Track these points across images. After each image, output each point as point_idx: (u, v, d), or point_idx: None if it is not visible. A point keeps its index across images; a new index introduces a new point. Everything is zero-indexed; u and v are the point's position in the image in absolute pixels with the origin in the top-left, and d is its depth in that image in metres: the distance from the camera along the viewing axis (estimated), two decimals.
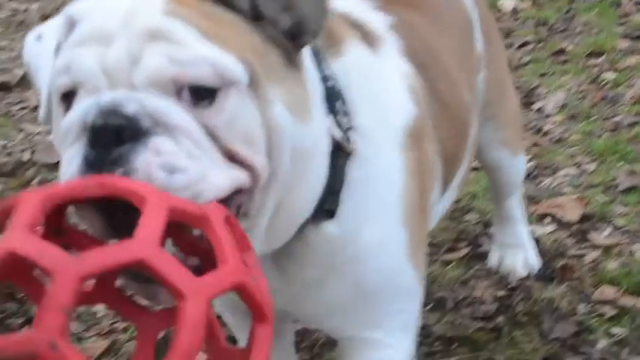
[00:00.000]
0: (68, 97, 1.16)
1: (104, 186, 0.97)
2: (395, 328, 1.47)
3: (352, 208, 1.33)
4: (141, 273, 0.91)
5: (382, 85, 1.42)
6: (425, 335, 2.17)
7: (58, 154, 1.20)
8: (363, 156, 1.32)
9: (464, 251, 2.54)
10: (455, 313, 2.27)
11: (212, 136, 1.10)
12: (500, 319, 2.23)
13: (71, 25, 1.20)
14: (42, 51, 1.31)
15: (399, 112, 1.42)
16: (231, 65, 1.11)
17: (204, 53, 1.11)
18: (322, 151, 1.26)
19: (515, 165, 2.28)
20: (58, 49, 1.22)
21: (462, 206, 2.75)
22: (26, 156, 3.28)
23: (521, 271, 2.41)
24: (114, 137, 1.06)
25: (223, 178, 1.10)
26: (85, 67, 1.13)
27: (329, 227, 1.31)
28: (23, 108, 3.68)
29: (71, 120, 1.12)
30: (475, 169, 2.97)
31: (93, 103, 1.10)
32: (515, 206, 2.43)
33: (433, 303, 2.31)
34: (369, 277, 1.38)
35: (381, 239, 1.37)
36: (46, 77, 1.28)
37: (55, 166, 3.02)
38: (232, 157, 1.11)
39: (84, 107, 1.10)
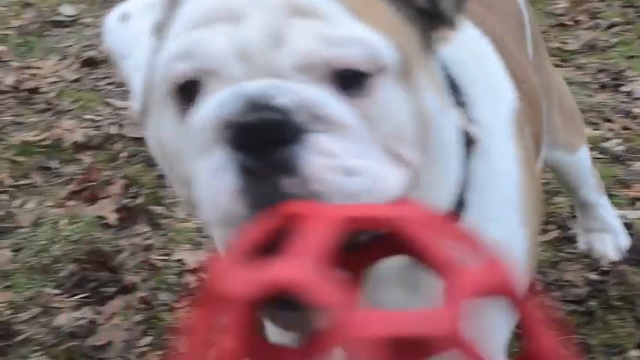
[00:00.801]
0: (186, 90, 0.98)
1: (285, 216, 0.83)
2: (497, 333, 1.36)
3: (477, 208, 1.21)
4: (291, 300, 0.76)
5: (489, 68, 1.34)
6: None
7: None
8: (487, 150, 1.21)
9: (553, 234, 2.51)
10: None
11: (369, 130, 0.95)
12: (592, 302, 2.20)
13: (175, 1, 1.04)
14: (131, 33, 1.10)
15: (507, 97, 1.35)
16: (385, 48, 0.96)
17: (358, 33, 0.95)
18: (458, 145, 1.16)
19: (576, 161, 2.19)
20: (158, 31, 1.06)
21: (550, 189, 2.71)
22: (114, 130, 3.34)
23: (612, 255, 2.35)
24: (269, 137, 0.89)
25: (397, 178, 0.96)
26: (216, 50, 0.95)
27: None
28: (110, 83, 3.74)
29: (206, 117, 0.93)
30: None
31: (236, 94, 0.92)
32: (591, 193, 2.34)
33: None
34: None
35: (504, 240, 1.23)
36: (140, 65, 1.07)
37: (142, 140, 3.09)
38: (390, 154, 0.97)
39: (223, 100, 0.92)
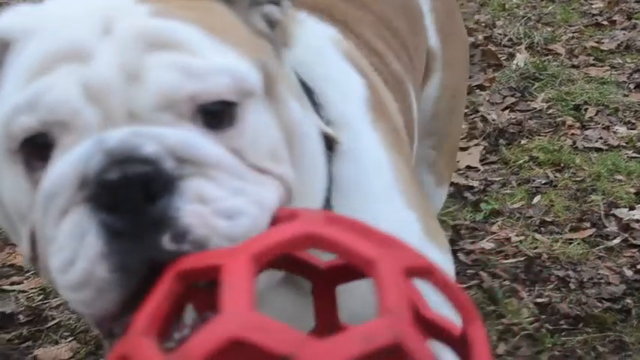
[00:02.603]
0: (32, 145, 0.85)
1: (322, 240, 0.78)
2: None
3: (351, 208, 1.11)
4: None
5: (333, 62, 1.27)
6: (550, 312, 2.13)
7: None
8: (350, 147, 1.16)
9: (588, 232, 2.47)
10: (580, 292, 2.21)
11: (241, 157, 0.88)
12: (628, 300, 2.17)
13: (4, 45, 0.92)
14: None
15: (355, 88, 1.26)
16: (250, 73, 0.90)
17: (221, 61, 0.87)
18: (321, 150, 1.11)
19: (437, 196, 2.04)
20: None
21: (585, 187, 2.68)
22: None
23: None
24: (137, 192, 0.79)
25: (273, 198, 0.90)
26: (63, 96, 0.83)
27: None
28: None
29: (63, 175, 0.82)
30: (599, 149, 2.90)
31: (94, 147, 0.80)
32: None
33: (556, 281, 2.26)
34: None
35: (394, 230, 1.22)
36: None
37: None
38: (262, 172, 0.91)
39: (81, 155, 0.81)
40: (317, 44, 1.26)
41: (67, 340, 2.14)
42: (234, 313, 0.70)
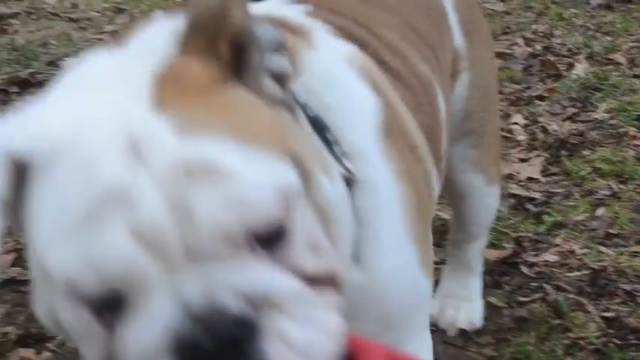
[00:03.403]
0: (98, 301, 0.86)
1: None
2: (416, 331, 1.38)
3: (369, 246, 1.18)
4: None
5: (336, 87, 1.23)
6: (617, 327, 2.10)
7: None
8: (361, 180, 1.15)
9: None
10: None
11: (296, 270, 0.90)
12: None
13: (20, 171, 0.89)
14: None
15: (368, 113, 1.25)
16: (289, 174, 0.90)
17: (263, 176, 0.86)
18: (345, 196, 1.12)
19: (489, 195, 1.99)
20: (9, 209, 0.90)
21: None
22: None
23: (462, 326, 2.15)
24: (229, 350, 0.83)
25: (335, 319, 0.92)
26: (120, 255, 0.82)
27: (352, 275, 1.13)
28: None
29: (149, 341, 0.83)
30: None
31: (176, 311, 0.82)
32: (477, 255, 2.16)
33: (623, 295, 2.23)
34: (391, 309, 1.26)
35: (397, 265, 1.25)
36: None
37: None
38: (316, 281, 0.92)
39: (164, 320, 0.83)
40: (326, 68, 1.24)
41: None
42: None
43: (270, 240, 0.87)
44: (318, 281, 0.92)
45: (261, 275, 0.86)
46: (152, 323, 0.83)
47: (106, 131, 0.86)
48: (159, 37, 0.97)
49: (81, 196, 0.83)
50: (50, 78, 3.45)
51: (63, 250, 0.84)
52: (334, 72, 1.25)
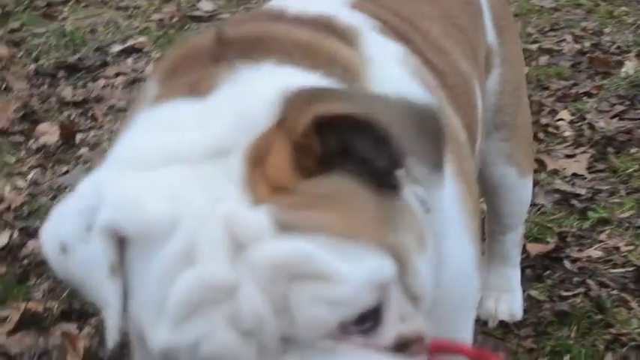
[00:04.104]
0: None
1: None
2: (462, 326, 1.40)
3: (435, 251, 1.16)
4: None
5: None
6: None
7: None
8: (433, 205, 1.13)
9: None
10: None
11: (385, 345, 0.93)
12: None
13: (119, 242, 0.92)
14: (80, 266, 0.95)
15: None
16: (387, 269, 0.92)
17: (361, 276, 0.88)
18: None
19: (522, 187, 2.00)
20: (112, 269, 0.93)
21: None
22: None
23: (503, 317, 2.14)
24: None
25: None
26: (222, 346, 0.86)
27: None
28: None
29: None
30: None
31: None
32: (514, 246, 2.14)
33: None
34: (447, 308, 1.24)
35: (458, 267, 1.26)
36: (109, 306, 0.93)
37: None
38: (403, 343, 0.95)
39: None
40: (389, 84, 1.18)
41: None
42: None
43: (363, 321, 0.90)
44: (407, 343, 0.94)
45: (353, 358, 0.89)
46: None
47: (205, 220, 0.88)
48: (254, 101, 0.95)
49: (183, 284, 0.87)
50: (97, 64, 3.48)
51: (161, 327, 0.88)
52: (395, 82, 1.22)
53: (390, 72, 1.22)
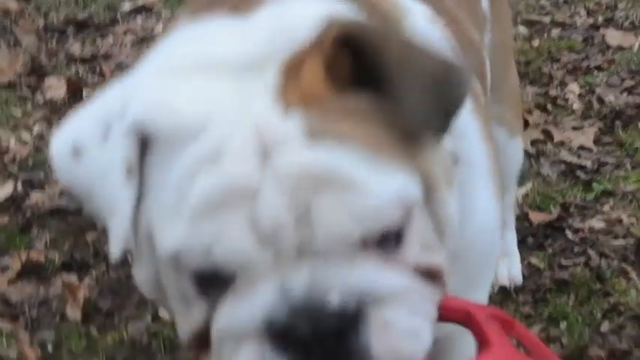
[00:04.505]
0: (203, 277, 0.89)
1: None
2: (483, 285, 1.40)
3: (464, 207, 1.14)
4: None
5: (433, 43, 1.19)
6: None
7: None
8: (462, 157, 1.12)
9: None
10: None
11: (405, 266, 0.93)
12: None
13: (143, 141, 0.91)
14: (92, 173, 0.93)
15: None
16: (413, 189, 0.91)
17: (387, 190, 0.87)
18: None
19: (513, 148, 2.02)
20: (129, 172, 0.91)
21: None
22: None
23: (503, 282, 2.13)
24: (327, 341, 0.86)
25: (433, 307, 0.95)
26: (237, 246, 0.85)
27: None
28: None
29: (245, 322, 0.87)
30: None
31: (278, 297, 0.85)
32: (508, 208, 2.13)
33: None
34: (475, 264, 1.28)
35: (486, 224, 1.27)
36: (119, 214, 0.91)
37: None
38: (422, 272, 0.95)
39: (265, 305, 0.85)
40: (425, 35, 1.20)
41: None
42: None
43: (384, 241, 0.89)
44: (426, 274, 0.94)
45: (369, 273, 0.88)
46: (251, 306, 0.86)
47: (236, 124, 0.87)
48: (295, 21, 0.95)
49: (206, 183, 0.86)
50: (107, 21, 3.45)
51: (177, 226, 0.87)
52: (431, 41, 1.22)
53: (425, 27, 1.22)
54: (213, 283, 0.88)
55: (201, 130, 0.88)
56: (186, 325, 0.95)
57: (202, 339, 0.93)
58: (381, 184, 0.87)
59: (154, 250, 0.91)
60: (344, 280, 0.86)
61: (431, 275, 0.95)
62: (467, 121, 1.20)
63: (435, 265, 0.96)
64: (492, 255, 1.37)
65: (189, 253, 0.86)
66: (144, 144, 0.91)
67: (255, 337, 0.86)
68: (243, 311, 0.87)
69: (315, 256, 0.86)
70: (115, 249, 0.93)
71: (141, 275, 0.98)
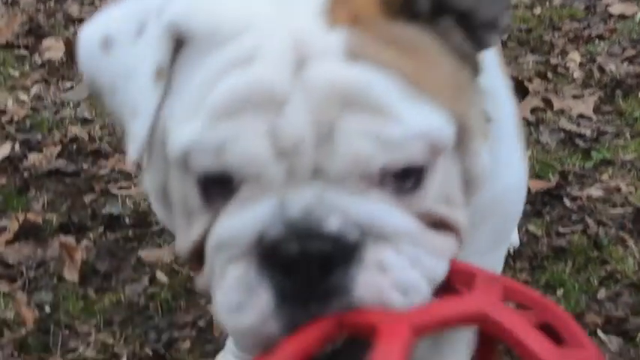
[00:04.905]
0: (210, 179, 0.86)
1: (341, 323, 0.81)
2: (505, 241, 1.39)
3: (493, 159, 1.08)
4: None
5: None
6: None
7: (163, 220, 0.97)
8: (494, 116, 1.07)
9: None
10: None
11: (419, 215, 0.87)
12: None
13: (177, 42, 0.88)
14: (120, 68, 0.91)
15: None
16: (444, 130, 0.86)
17: (417, 124, 0.82)
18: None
19: None
20: (159, 74, 0.89)
21: None
22: None
23: None
24: (316, 265, 0.81)
25: (442, 267, 0.89)
26: (252, 151, 0.81)
27: None
28: None
29: (238, 233, 0.83)
30: None
31: (275, 213, 0.81)
32: None
33: None
34: (502, 220, 1.26)
35: (514, 179, 1.24)
36: (142, 114, 0.90)
37: None
38: (439, 225, 0.90)
39: (260, 219, 0.81)
40: None
41: (170, 245, 2.19)
42: None
43: (402, 182, 0.85)
44: (440, 227, 0.89)
45: (378, 208, 0.83)
46: (247, 218, 0.82)
47: (274, 32, 0.84)
48: None
49: (233, 83, 0.82)
50: None
51: (194, 124, 0.83)
52: None
53: None
54: (218, 191, 0.85)
55: (239, 33, 0.85)
56: (185, 240, 0.92)
57: (199, 255, 0.90)
58: (412, 115, 0.82)
59: (166, 156, 0.89)
60: (350, 208, 0.81)
61: (446, 230, 0.90)
62: (496, 78, 1.17)
63: (453, 219, 0.90)
64: (517, 214, 1.34)
65: (201, 153, 0.83)
66: (177, 45, 0.88)
67: (245, 255, 0.83)
68: (239, 223, 0.83)
69: (328, 180, 0.82)
70: (133, 151, 0.90)
71: (150, 183, 0.96)
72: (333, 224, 0.80)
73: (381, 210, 0.83)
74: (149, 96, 0.88)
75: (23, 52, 3.31)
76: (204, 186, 0.87)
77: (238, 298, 0.83)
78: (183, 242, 0.93)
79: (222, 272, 0.85)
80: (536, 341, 0.74)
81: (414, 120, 0.82)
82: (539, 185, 2.38)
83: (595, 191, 2.38)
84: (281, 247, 0.80)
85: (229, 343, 1.67)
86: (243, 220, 0.83)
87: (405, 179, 0.85)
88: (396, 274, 0.82)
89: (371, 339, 0.76)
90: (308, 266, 0.80)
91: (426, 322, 0.78)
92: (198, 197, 0.88)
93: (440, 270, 0.89)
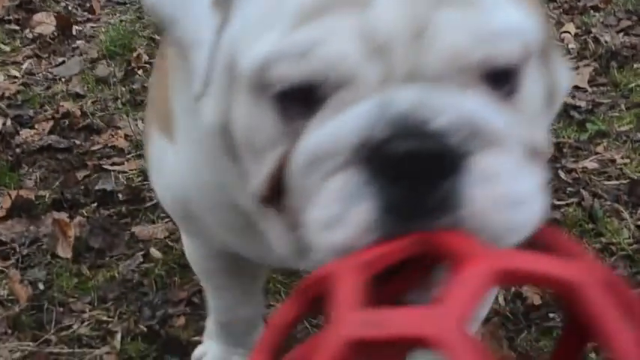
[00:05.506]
0: (290, 94, 0.79)
1: (427, 242, 0.73)
2: None
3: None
4: None
5: None
6: None
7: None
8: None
9: None
10: None
11: (517, 129, 0.81)
12: None
13: None
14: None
15: None
16: (535, 33, 0.82)
17: (513, 20, 0.79)
18: None
19: None
20: (223, 3, 0.85)
21: None
22: None
23: None
24: (424, 169, 0.74)
25: (538, 186, 0.82)
26: (342, 51, 0.75)
27: None
28: None
29: (338, 137, 0.76)
30: None
31: (378, 111, 0.75)
32: None
33: None
34: None
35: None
36: (202, 43, 0.85)
37: None
38: (527, 148, 0.84)
39: (362, 118, 0.75)
40: None
41: (164, 221, 2.18)
42: None
43: (498, 87, 0.80)
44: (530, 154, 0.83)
45: (483, 109, 0.77)
46: (346, 121, 0.76)
47: None
48: None
49: None
50: None
51: (270, 35, 0.78)
52: None
53: None
54: (298, 109, 0.79)
55: None
56: (258, 176, 0.85)
57: (274, 190, 0.84)
58: (507, 12, 0.79)
59: (232, 81, 0.83)
60: (455, 106, 0.75)
61: (533, 156, 0.83)
62: None
63: (539, 142, 0.85)
64: None
65: (283, 62, 0.76)
66: None
67: (346, 164, 0.75)
68: (336, 129, 0.76)
69: (425, 79, 0.76)
70: (197, 82, 0.86)
71: (209, 118, 0.88)
72: (440, 122, 0.74)
73: (486, 111, 0.77)
74: (208, 24, 0.84)
75: (14, 26, 3.28)
76: (283, 104, 0.80)
77: (337, 210, 0.76)
78: (255, 179, 0.86)
79: (316, 191, 0.78)
80: (626, 341, 0.65)
81: (509, 16, 0.79)
82: None
83: (590, 163, 2.37)
84: (388, 147, 0.73)
85: (210, 324, 1.67)
86: (340, 125, 0.76)
87: (502, 83, 0.80)
88: (504, 185, 0.76)
89: (447, 266, 0.70)
90: (416, 170, 0.73)
91: (512, 270, 0.68)
92: (274, 120, 0.81)
93: (540, 186, 0.82)
